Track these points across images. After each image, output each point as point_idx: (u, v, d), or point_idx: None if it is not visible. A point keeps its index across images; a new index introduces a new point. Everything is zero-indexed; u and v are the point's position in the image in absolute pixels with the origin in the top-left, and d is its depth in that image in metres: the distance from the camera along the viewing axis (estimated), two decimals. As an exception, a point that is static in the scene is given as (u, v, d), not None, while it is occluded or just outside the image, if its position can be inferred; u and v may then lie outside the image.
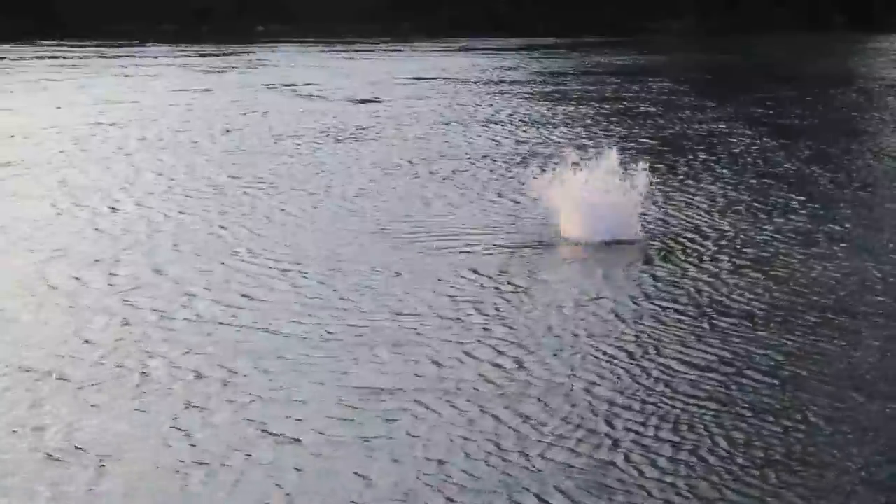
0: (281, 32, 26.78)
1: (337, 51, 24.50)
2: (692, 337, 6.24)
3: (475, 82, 19.32)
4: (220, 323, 6.52)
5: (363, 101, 16.72)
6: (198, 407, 5.27)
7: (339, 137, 13.45)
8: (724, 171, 11.31)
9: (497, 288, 7.18)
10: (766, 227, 8.81)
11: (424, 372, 5.71)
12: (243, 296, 7.05)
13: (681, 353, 5.98)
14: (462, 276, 7.42)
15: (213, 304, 6.88)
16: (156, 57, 23.40)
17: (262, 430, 5.00)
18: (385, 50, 25.18)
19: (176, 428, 5.04)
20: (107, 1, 27.07)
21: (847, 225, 8.88)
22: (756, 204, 9.66)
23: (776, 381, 5.57)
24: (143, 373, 5.71)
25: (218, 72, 21.08)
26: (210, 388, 5.50)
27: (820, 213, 9.30)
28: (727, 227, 8.80)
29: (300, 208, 9.63)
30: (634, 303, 6.88)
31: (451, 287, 7.19)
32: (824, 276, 7.41)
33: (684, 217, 9.15)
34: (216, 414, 5.20)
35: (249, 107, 16.04)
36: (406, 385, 5.52)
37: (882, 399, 5.34)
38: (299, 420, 5.13)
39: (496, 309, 6.75)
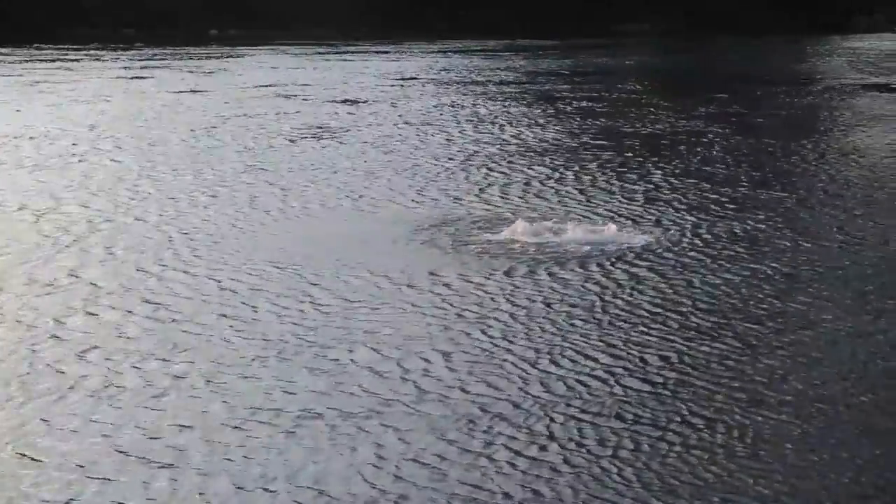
0: (240, 37, 26.69)
1: (318, 52, 24.49)
2: (589, 341, 6.20)
3: (445, 83, 19.34)
4: (113, 333, 6.42)
5: (344, 102, 16.82)
6: (62, 427, 5.11)
7: (319, 136, 13.61)
8: (661, 171, 11.31)
9: (403, 288, 7.15)
10: (684, 228, 8.80)
11: (314, 382, 5.62)
12: (147, 302, 6.97)
13: (573, 358, 5.93)
14: (389, 279, 7.38)
15: (114, 310, 6.81)
16: (153, 59, 23.32)
17: (114, 447, 4.88)
18: (362, 52, 25.16)
19: (28, 458, 4.83)
20: (62, 4, 26.90)
21: (764, 227, 8.86)
22: (681, 205, 9.65)
23: (662, 388, 5.53)
24: (23, 382, 5.64)
25: (200, 73, 21.04)
26: (80, 402, 5.38)
27: (740, 214, 9.30)
28: (646, 230, 8.78)
29: (245, 210, 9.61)
30: (536, 303, 6.85)
31: (371, 293, 7.11)
32: (729, 278, 7.39)
33: (610, 219, 9.12)
34: (75, 431, 5.06)
35: (234, 108, 16.02)
36: (292, 397, 5.42)
37: (766, 407, 5.29)
38: (157, 437, 5.04)
39: (402, 312, 6.71)
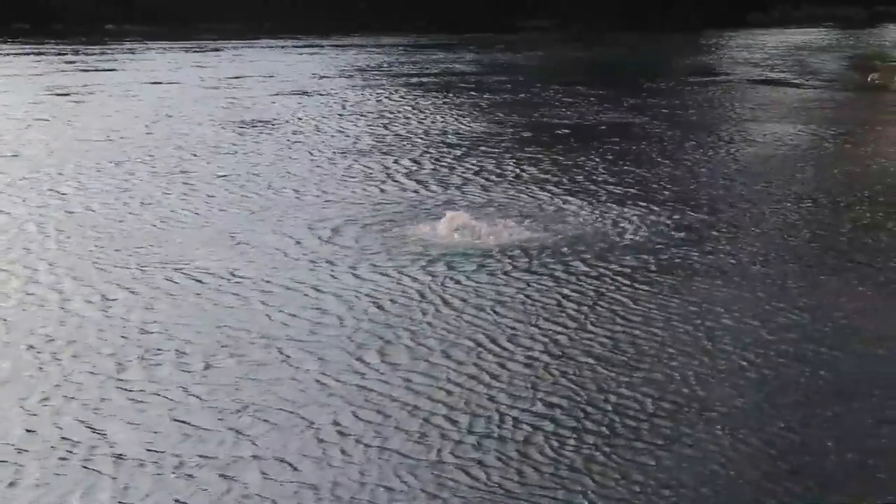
0: (139, 32, 26.11)
1: (228, 48, 24.02)
2: (409, 336, 5.92)
3: (356, 78, 19.03)
4: None
5: (283, 95, 16.56)
6: None
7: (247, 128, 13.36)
8: (569, 165, 11.11)
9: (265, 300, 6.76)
10: (578, 224, 8.54)
11: (144, 396, 5.24)
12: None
13: (387, 358, 5.64)
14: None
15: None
16: (65, 55, 22.71)
17: None
18: (267, 47, 24.75)
19: None
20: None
21: (655, 221, 8.62)
22: (582, 199, 9.39)
23: (448, 397, 5.22)
24: None
25: (113, 70, 20.45)
26: None
27: (639, 209, 9.05)
28: (543, 225, 8.48)
29: (132, 206, 9.22)
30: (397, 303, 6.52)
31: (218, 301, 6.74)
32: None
33: (506, 212, 8.86)
34: None
35: (153, 107, 15.55)
36: (117, 417, 5.01)
37: (542, 415, 4.97)
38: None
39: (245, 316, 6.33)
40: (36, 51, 23.49)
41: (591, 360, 5.62)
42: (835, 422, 4.93)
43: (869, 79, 18.95)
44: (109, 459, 4.53)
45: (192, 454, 4.55)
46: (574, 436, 4.73)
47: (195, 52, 24.30)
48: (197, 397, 5.16)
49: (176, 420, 4.90)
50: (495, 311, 6.43)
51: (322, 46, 24.56)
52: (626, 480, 4.34)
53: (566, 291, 6.81)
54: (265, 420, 4.90)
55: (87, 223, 8.64)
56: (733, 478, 4.39)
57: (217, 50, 24.22)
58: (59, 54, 22.72)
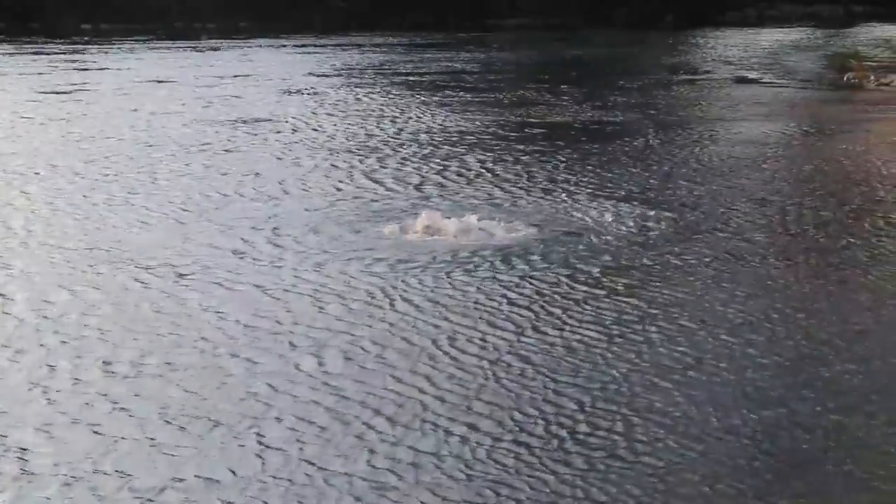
0: (117, 31, 25.96)
1: (208, 48, 23.90)
2: (355, 339, 5.75)
3: (337, 78, 18.95)
4: None
5: (271, 94, 16.43)
6: None
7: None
8: (550, 164, 10.99)
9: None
10: (555, 224, 8.38)
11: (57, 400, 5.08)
12: None
13: (324, 362, 5.51)
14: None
15: None
16: (53, 54, 22.54)
17: None
18: (242, 47, 24.64)
19: None
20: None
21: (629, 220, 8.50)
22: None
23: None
24: None
25: (95, 70, 20.28)
26: None
27: (627, 208, 8.91)
28: (520, 225, 8.33)
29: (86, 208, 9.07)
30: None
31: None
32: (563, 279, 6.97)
33: (479, 211, 8.70)
34: None
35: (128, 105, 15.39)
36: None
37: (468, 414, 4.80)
38: None
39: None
40: (16, 50, 23.34)
41: (535, 364, 5.49)
42: (781, 425, 4.80)
43: (844, 78, 18.87)
44: (14, 469, 4.37)
45: (105, 465, 4.39)
46: (509, 440, 4.59)
47: (179, 50, 24.17)
48: (118, 403, 5.01)
49: (89, 426, 4.74)
50: (445, 313, 6.30)
51: (313, 46, 24.46)
52: (560, 485, 4.20)
53: (519, 293, 6.67)
54: (183, 428, 4.74)
55: (49, 222, 8.52)
56: (671, 483, 4.25)
57: (205, 50, 24.09)
58: (40, 53, 22.55)
